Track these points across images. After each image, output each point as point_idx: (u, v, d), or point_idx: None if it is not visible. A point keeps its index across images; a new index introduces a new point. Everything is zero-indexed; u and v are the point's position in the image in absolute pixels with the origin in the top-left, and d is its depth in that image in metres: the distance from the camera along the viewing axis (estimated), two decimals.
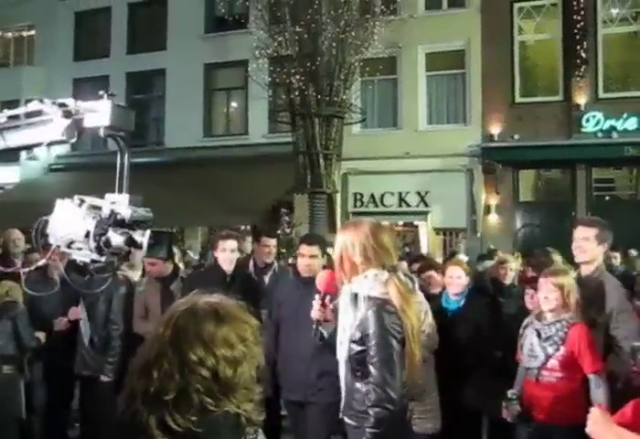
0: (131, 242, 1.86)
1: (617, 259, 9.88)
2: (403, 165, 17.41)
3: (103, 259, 1.90)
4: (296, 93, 15.39)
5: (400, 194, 18.24)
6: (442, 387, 5.10)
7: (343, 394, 3.56)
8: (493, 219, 17.25)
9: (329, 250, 4.94)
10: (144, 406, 1.66)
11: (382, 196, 18.46)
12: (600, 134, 16.20)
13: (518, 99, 17.37)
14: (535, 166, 17.59)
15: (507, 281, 6.97)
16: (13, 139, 2.16)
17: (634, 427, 2.63)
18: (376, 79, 17.92)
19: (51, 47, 22.93)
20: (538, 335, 4.60)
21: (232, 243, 5.96)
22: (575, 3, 16.52)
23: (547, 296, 4.55)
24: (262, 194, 17.34)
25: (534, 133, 16.38)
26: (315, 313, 3.81)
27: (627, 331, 4.36)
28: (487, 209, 17.27)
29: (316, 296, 3.82)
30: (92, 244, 1.88)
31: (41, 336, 5.88)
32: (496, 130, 17.25)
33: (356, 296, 3.40)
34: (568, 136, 16.49)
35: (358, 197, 18.83)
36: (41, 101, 2.07)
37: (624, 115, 16.02)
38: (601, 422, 2.67)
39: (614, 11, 17.10)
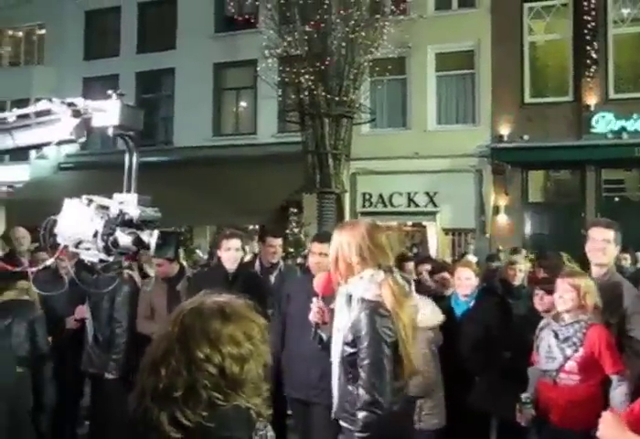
0: (138, 242, 1.86)
1: (627, 260, 9.83)
2: (412, 166, 17.38)
3: (111, 259, 1.90)
4: (305, 93, 15.41)
5: (409, 194, 18.21)
6: (450, 387, 5.08)
7: (336, 396, 3.54)
8: (502, 219, 17.20)
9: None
10: (153, 403, 1.68)
11: (391, 196, 18.43)
12: (610, 135, 16.12)
13: (528, 99, 17.31)
14: (544, 167, 17.53)
15: (517, 282, 6.97)
16: (22, 138, 2.16)
17: None
18: (385, 79, 17.88)
19: (61, 46, 23.00)
20: (556, 336, 4.52)
21: (236, 242, 5.94)
22: (586, 3, 16.46)
23: (562, 296, 4.49)
24: (271, 193, 17.33)
25: (544, 134, 16.33)
26: (314, 316, 3.78)
27: None
28: (496, 210, 17.23)
29: (314, 299, 3.77)
30: (100, 244, 1.89)
31: (49, 339, 5.88)
32: (505, 130, 17.20)
33: (350, 297, 3.38)
34: (578, 137, 16.43)
35: (367, 197, 18.80)
36: (50, 100, 2.07)
37: (635, 116, 15.95)
38: (613, 426, 2.61)
39: (625, 11, 17.02)
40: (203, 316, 1.75)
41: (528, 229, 17.43)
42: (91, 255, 1.93)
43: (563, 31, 17.31)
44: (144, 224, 1.92)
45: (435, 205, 17.93)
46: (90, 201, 1.96)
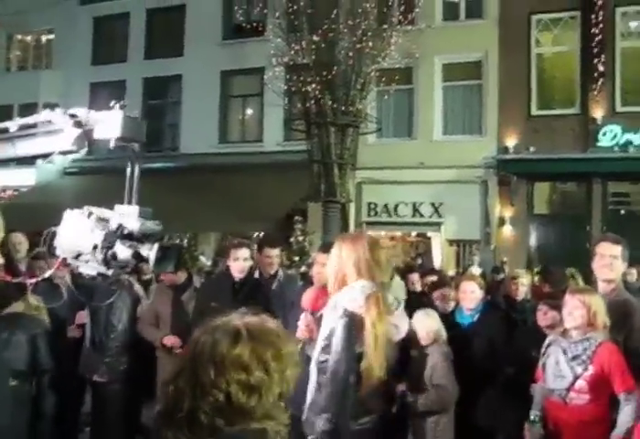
0: (138, 256, 1.84)
1: (633, 275, 9.77)
2: (418, 176, 17.35)
3: (110, 272, 1.88)
4: (312, 102, 15.41)
5: (414, 204, 18.16)
6: (455, 403, 5.04)
7: (307, 401, 3.48)
8: (507, 231, 17.14)
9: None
10: (161, 422, 1.66)
11: (396, 206, 18.40)
12: (616, 148, 16.08)
13: (535, 111, 17.29)
14: (550, 179, 17.49)
15: (519, 296, 6.86)
16: (24, 148, 2.15)
17: None
18: (392, 88, 17.86)
19: (69, 51, 23.06)
20: (565, 353, 4.42)
21: (245, 252, 5.95)
22: (594, 16, 16.45)
23: (571, 312, 4.40)
24: (276, 201, 17.31)
25: (550, 146, 16.28)
26: (301, 333, 3.72)
27: None
28: (501, 221, 17.18)
29: (302, 316, 3.72)
30: (100, 257, 1.86)
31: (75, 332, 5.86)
32: (511, 142, 17.17)
33: (335, 305, 3.35)
34: (584, 150, 16.40)
35: (372, 206, 18.76)
36: (52, 109, 2.05)
37: None
38: None
39: (633, 24, 17.03)
40: (214, 339, 1.67)
41: (533, 240, 17.37)
42: (90, 268, 1.91)
43: (571, 43, 17.30)
44: (144, 237, 1.89)
45: (440, 215, 17.89)
46: (91, 213, 1.94)
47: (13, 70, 25.24)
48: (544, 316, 5.28)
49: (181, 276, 6.68)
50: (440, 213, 17.89)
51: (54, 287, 5.47)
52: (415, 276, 8.78)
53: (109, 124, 1.97)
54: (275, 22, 16.39)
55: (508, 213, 17.10)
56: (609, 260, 4.59)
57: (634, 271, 9.69)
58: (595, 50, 16.45)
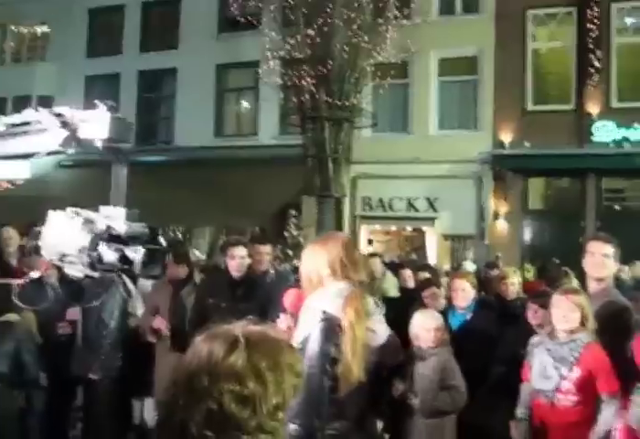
0: (124, 260, 1.82)
1: (627, 273, 9.78)
2: (413, 171, 17.32)
3: (96, 275, 1.86)
4: (307, 96, 15.37)
5: (409, 199, 18.15)
6: None
7: None
8: (501, 226, 17.15)
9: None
10: (159, 431, 1.64)
11: (391, 200, 18.38)
12: (611, 144, 16.09)
13: (530, 107, 17.28)
14: (545, 175, 17.49)
15: (510, 296, 6.70)
16: (10, 147, 2.13)
17: None
18: (387, 83, 17.81)
19: (64, 43, 22.94)
20: (550, 354, 4.40)
21: (242, 250, 5.95)
22: (589, 11, 16.43)
23: (566, 315, 4.34)
24: (271, 196, 17.28)
25: (545, 142, 16.27)
26: None
27: None
28: (496, 217, 17.18)
29: (282, 316, 3.64)
30: (85, 259, 1.84)
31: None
32: (506, 137, 17.16)
33: (313, 308, 3.28)
34: (579, 145, 16.40)
35: (367, 201, 18.74)
36: (44, 105, 2.04)
37: (637, 126, 15.92)
38: None
39: (629, 20, 17.03)
40: (210, 347, 1.62)
41: (527, 236, 17.39)
42: (76, 270, 1.89)
43: (566, 39, 17.28)
44: (130, 240, 1.88)
45: (435, 210, 17.89)
46: (77, 214, 1.92)
47: (7, 62, 25.08)
48: (534, 315, 5.26)
49: (182, 271, 6.62)
50: (435, 208, 17.89)
51: (41, 288, 5.45)
52: (408, 272, 8.76)
53: (95, 125, 1.95)
54: (270, 16, 16.36)
55: (503, 208, 17.11)
56: (600, 258, 4.58)
57: (626, 268, 9.70)
58: (591, 46, 16.44)
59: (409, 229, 19.39)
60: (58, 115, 1.97)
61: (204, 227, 20.30)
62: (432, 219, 17.95)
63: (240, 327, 1.69)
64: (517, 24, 17.32)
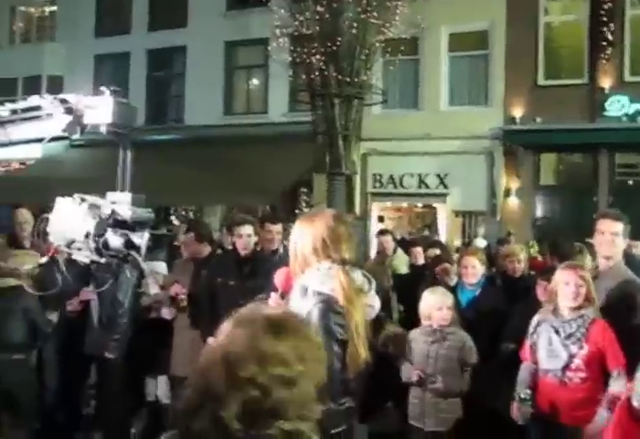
0: (129, 245, 1.84)
1: (638, 248, 9.70)
2: (423, 147, 17.25)
3: (103, 260, 1.88)
4: (316, 73, 15.29)
5: (420, 175, 18.09)
6: None
7: None
8: (513, 202, 17.09)
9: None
10: (183, 419, 1.62)
11: (402, 177, 18.33)
12: (624, 119, 15.96)
13: (542, 81, 17.11)
14: (557, 150, 17.38)
15: (517, 274, 6.55)
16: (15, 133, 2.14)
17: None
18: (397, 59, 17.68)
19: (73, 23, 22.87)
20: (557, 332, 4.36)
21: (248, 228, 6.00)
22: None
23: (576, 291, 4.30)
24: (282, 173, 17.26)
25: (557, 117, 16.13)
26: None
27: None
28: (507, 193, 17.11)
29: (272, 295, 3.60)
30: (92, 245, 1.86)
31: (53, 317, 5.89)
32: (518, 112, 17.03)
33: (306, 290, 3.22)
34: (591, 120, 16.26)
35: (378, 178, 18.70)
36: (41, 96, 2.04)
37: None
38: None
39: None
40: (253, 332, 1.63)
41: (538, 212, 17.33)
42: (83, 256, 1.91)
43: (579, 12, 17.05)
44: (136, 225, 1.89)
45: (446, 187, 17.83)
46: (83, 200, 1.94)
47: (17, 43, 25.07)
48: (544, 292, 5.26)
49: (204, 249, 6.63)
50: (445, 184, 17.83)
51: (50, 273, 5.49)
52: (418, 249, 8.78)
53: (100, 110, 1.96)
54: None
55: (514, 184, 17.03)
56: (610, 237, 4.58)
57: (638, 244, 9.62)
58: (604, 19, 16.21)
59: (419, 205, 19.38)
60: (63, 101, 1.98)
61: (215, 205, 20.36)
62: (443, 196, 17.91)
63: (267, 310, 1.72)
64: None
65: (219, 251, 7.74)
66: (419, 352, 5.09)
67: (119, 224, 1.87)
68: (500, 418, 4.81)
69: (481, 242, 14.05)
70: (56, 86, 21.75)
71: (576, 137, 16.04)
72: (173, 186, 16.25)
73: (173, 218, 20.45)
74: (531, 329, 4.58)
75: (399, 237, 13.25)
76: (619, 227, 4.59)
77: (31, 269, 4.81)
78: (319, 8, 14.87)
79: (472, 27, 17.64)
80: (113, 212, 1.89)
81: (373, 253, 11.11)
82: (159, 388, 6.86)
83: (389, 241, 9.02)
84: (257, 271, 5.73)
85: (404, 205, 19.50)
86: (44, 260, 2.09)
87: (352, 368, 3.18)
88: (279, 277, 3.60)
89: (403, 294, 7.23)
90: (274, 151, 17.36)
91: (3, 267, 5.10)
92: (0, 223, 12.00)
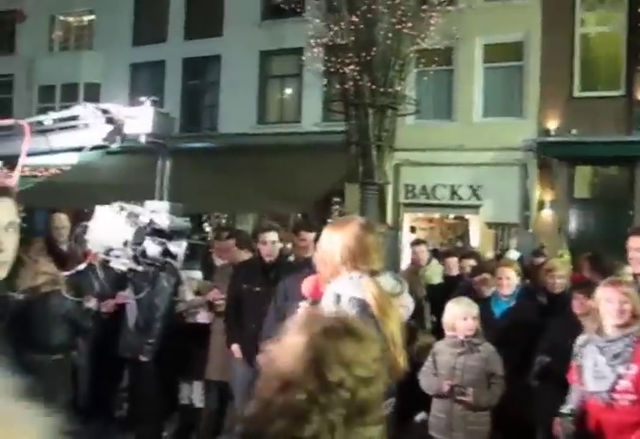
0: (167, 254, 1.86)
1: None
2: (456, 158, 17.19)
3: (140, 269, 1.90)
4: (350, 83, 15.33)
5: (453, 187, 18.02)
6: None
7: None
8: (546, 214, 16.93)
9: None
10: (281, 421, 1.66)
11: (434, 188, 18.28)
12: None
13: (577, 93, 16.96)
14: (592, 163, 17.18)
15: (558, 290, 6.33)
16: (56, 142, 2.18)
17: None
18: (431, 69, 17.67)
19: (110, 31, 23.21)
20: (602, 353, 4.15)
21: (273, 235, 6.14)
22: None
23: (620, 309, 4.11)
24: (314, 183, 17.31)
25: (592, 129, 15.97)
26: None
27: None
28: (541, 205, 16.96)
29: (301, 304, 3.60)
30: (130, 253, 1.89)
31: (91, 303, 5.88)
32: (552, 124, 16.89)
33: (339, 297, 3.22)
34: (628, 132, 16.07)
35: (410, 188, 18.66)
36: (83, 105, 2.08)
37: None
38: None
39: None
40: (335, 338, 1.73)
41: (572, 225, 17.14)
42: (121, 263, 1.93)
43: (616, 23, 16.90)
44: (173, 234, 1.91)
45: (479, 198, 17.73)
46: (122, 208, 1.96)
47: (55, 51, 25.51)
48: (580, 305, 5.21)
49: (245, 256, 6.75)
50: (478, 196, 17.73)
51: (87, 279, 5.55)
52: (454, 260, 8.75)
53: (140, 120, 1.99)
54: (314, 2, 16.32)
55: (548, 197, 16.87)
56: (635, 253, 4.51)
57: None
58: None
59: (451, 216, 19.28)
60: (104, 111, 2.01)
61: (247, 213, 20.45)
62: (475, 207, 17.81)
63: (338, 318, 1.84)
64: (565, 8, 16.96)
65: None
66: (444, 364, 5.05)
67: (157, 233, 1.90)
68: (532, 432, 4.76)
69: (514, 255, 13.93)
70: (93, 94, 22.09)
71: (612, 150, 15.85)
72: (206, 193, 16.37)
73: (206, 225, 20.58)
74: (576, 350, 4.38)
75: (431, 247, 13.21)
76: None
77: (68, 275, 4.87)
78: (354, 18, 14.92)
79: (507, 38, 17.56)
80: (152, 221, 1.91)
81: (404, 264, 11.06)
82: (194, 392, 6.92)
83: (423, 251, 9.03)
84: (282, 277, 5.78)
85: (436, 216, 19.43)
86: (82, 266, 2.11)
87: (394, 376, 3.16)
88: (307, 285, 3.62)
89: (436, 304, 7.20)
90: (307, 160, 17.41)
91: (43, 272, 5.18)
92: (37, 227, 12.19)
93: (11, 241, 1.91)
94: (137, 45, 23.14)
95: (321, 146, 17.44)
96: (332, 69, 15.95)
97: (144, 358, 6.26)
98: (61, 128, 2.13)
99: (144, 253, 1.87)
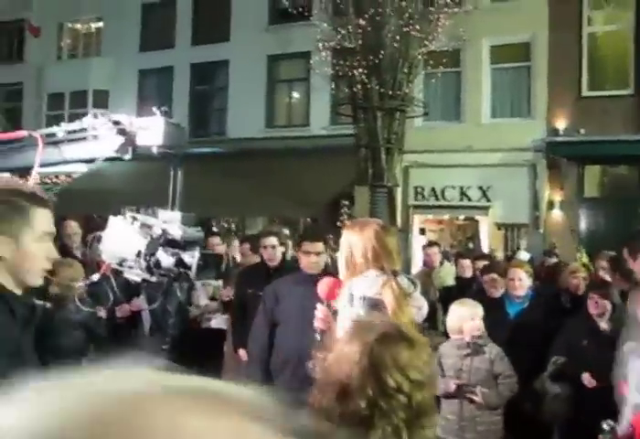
0: (180, 264, 1.87)
1: None
2: (465, 159, 17.16)
3: (154, 279, 1.92)
4: (358, 86, 15.31)
5: (462, 188, 17.98)
6: None
7: None
8: (556, 215, 16.87)
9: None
10: (345, 430, 1.68)
11: (443, 189, 18.25)
12: None
13: (586, 92, 16.91)
14: (602, 162, 17.12)
15: (581, 291, 6.29)
16: (69, 153, 2.20)
17: None
18: (439, 71, 17.65)
19: (118, 38, 23.31)
20: None
21: (272, 240, 6.22)
22: None
23: None
24: (323, 186, 17.32)
25: (601, 128, 15.93)
26: (319, 323, 3.62)
27: None
28: (550, 205, 16.91)
29: (318, 305, 3.61)
30: (143, 264, 1.90)
31: (102, 313, 5.92)
32: (561, 124, 16.84)
33: (352, 296, 3.28)
34: (637, 131, 16.00)
35: (419, 190, 18.64)
36: (95, 116, 2.10)
37: None
38: None
39: None
40: (391, 345, 1.78)
41: (583, 225, 17.08)
42: (134, 274, 1.95)
43: (624, 22, 16.84)
44: (186, 244, 1.93)
45: (488, 199, 17.69)
46: (135, 219, 1.98)
47: (64, 59, 25.63)
48: (595, 305, 5.19)
49: (257, 260, 6.81)
50: (488, 197, 17.69)
51: (100, 289, 5.58)
52: (467, 262, 8.75)
53: (151, 131, 2.01)
54: (321, 6, 16.32)
55: (558, 197, 16.82)
56: None
57: None
58: None
59: (461, 218, 19.25)
60: (116, 122, 2.03)
61: (256, 217, 20.47)
62: (485, 208, 17.77)
63: (388, 324, 1.92)
64: (572, 7, 16.92)
65: None
66: (450, 367, 5.03)
67: (170, 243, 1.91)
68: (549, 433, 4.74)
69: (524, 255, 13.88)
70: (101, 100, 22.19)
71: (621, 149, 15.79)
72: (215, 198, 16.41)
73: (215, 229, 20.60)
74: (619, 362, 4.25)
75: (443, 250, 13.20)
76: None
77: (83, 285, 4.93)
78: (361, 22, 14.91)
79: (514, 39, 17.53)
80: (164, 231, 1.92)
81: (415, 266, 11.05)
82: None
83: (436, 253, 9.05)
84: None
85: (446, 217, 19.40)
86: (96, 277, 2.13)
87: None
88: (322, 287, 3.64)
89: (449, 306, 7.19)
90: (316, 163, 17.42)
91: (60, 280, 5.23)
92: None
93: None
94: (145, 51, 23.22)
95: (329, 150, 17.44)
96: (340, 73, 15.95)
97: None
98: (74, 140, 2.16)
99: (157, 264, 1.88)
